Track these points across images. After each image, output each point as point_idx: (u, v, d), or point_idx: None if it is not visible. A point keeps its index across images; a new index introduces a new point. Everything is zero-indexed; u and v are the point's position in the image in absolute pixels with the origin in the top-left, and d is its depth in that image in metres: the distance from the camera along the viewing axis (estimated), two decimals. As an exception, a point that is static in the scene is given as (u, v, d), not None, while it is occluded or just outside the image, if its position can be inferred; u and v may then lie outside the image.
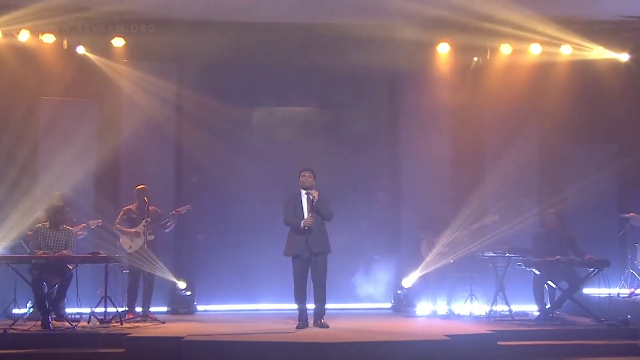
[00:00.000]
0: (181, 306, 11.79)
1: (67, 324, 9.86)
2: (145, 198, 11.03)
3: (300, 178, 9.89)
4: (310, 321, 9.73)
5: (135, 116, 12.34)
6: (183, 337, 8.73)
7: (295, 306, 11.31)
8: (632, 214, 11.88)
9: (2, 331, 9.34)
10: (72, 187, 11.83)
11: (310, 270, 9.75)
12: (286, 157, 12.41)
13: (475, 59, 12.85)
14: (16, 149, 11.97)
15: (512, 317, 10.89)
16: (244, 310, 12.29)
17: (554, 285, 10.90)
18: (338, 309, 12.10)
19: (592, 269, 10.66)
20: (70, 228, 10.45)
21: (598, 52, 12.78)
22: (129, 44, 12.38)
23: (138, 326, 10.02)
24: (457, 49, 12.81)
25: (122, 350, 8.85)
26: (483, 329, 9.70)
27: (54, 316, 10.01)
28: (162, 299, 11.79)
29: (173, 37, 12.30)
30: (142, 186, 11.22)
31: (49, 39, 12.23)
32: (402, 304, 12.30)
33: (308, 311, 9.87)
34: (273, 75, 12.74)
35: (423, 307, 12.03)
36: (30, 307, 10.83)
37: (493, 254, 11.09)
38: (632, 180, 12.75)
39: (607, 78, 12.76)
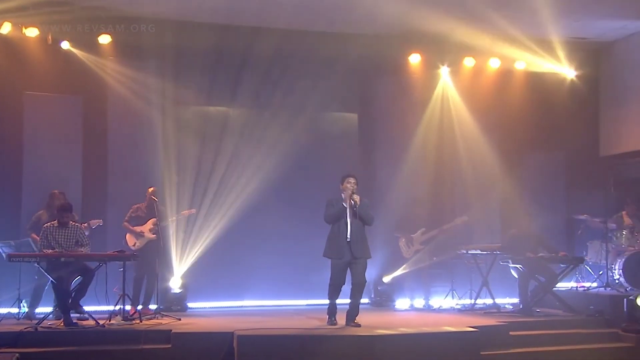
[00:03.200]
0: (174, 304, 11.60)
1: (86, 322, 9.58)
2: (154, 197, 10.86)
3: (345, 184, 9.90)
4: (342, 321, 9.78)
5: (121, 113, 12.16)
6: (232, 332, 8.71)
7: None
8: (585, 215, 12.80)
9: (33, 329, 9.00)
10: (59, 184, 11.40)
11: (351, 274, 9.85)
12: (266, 157, 12.59)
13: (445, 68, 13.39)
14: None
15: (497, 309, 11.52)
16: (233, 307, 12.31)
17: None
18: (319, 304, 12.32)
19: (567, 265, 11.45)
20: (79, 225, 10.10)
21: (548, 69, 13.69)
22: (115, 41, 12.07)
23: (161, 323, 9.90)
24: (427, 60, 13.41)
25: (169, 346, 8.80)
26: (492, 321, 10.24)
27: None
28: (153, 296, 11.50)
29: (160, 35, 12.08)
30: (153, 188, 11.21)
31: (32, 32, 11.74)
32: (382, 299, 12.65)
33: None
34: (253, 77, 12.70)
35: (401, 302, 12.47)
36: (24, 307, 10.45)
37: (480, 252, 11.68)
38: (577, 184, 13.76)
39: (556, 92, 13.79)
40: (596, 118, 14.33)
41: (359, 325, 9.60)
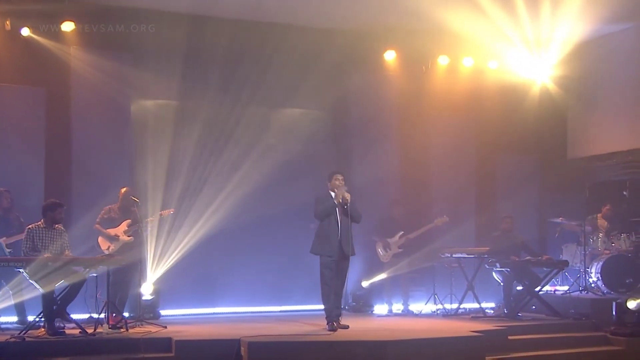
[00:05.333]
0: (146, 311, 11.49)
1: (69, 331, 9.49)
2: (135, 198, 10.81)
3: (333, 181, 10.30)
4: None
5: (88, 106, 12.01)
6: (239, 339, 8.82)
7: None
8: (561, 218, 13.42)
9: (20, 339, 8.89)
10: (19, 182, 11.22)
11: (335, 271, 10.19)
12: (239, 156, 12.70)
13: (420, 66, 13.88)
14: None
15: (484, 313, 11.96)
16: (207, 314, 12.34)
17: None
18: (296, 310, 12.62)
19: (551, 269, 12.01)
20: (62, 228, 9.97)
21: (520, 69, 14.27)
22: (79, 29, 11.88)
23: (151, 331, 9.82)
24: (403, 57, 13.79)
25: (171, 354, 8.88)
26: (489, 325, 10.68)
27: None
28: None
29: (128, 25, 11.99)
30: (127, 188, 11.16)
31: (-13, 17, 11.47)
32: (360, 304, 12.91)
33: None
34: (225, 72, 12.73)
35: (380, 308, 12.82)
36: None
37: (466, 255, 12.12)
38: (550, 187, 14.40)
39: (527, 94, 14.41)
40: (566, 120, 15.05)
41: (347, 327, 10.08)
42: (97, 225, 11.00)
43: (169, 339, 9.06)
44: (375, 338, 9.34)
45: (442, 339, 9.50)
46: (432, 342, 9.37)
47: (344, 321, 10.36)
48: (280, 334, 9.37)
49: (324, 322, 10.31)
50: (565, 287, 13.24)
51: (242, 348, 8.72)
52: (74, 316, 10.14)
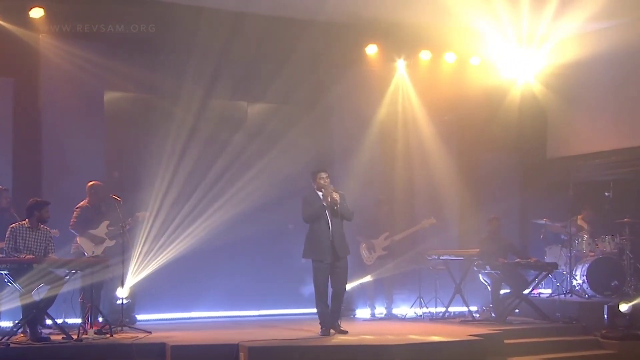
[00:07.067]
0: (122, 316, 11.39)
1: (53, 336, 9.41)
2: (115, 197, 10.67)
3: (318, 180, 10.29)
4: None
5: (59, 99, 11.84)
6: (237, 344, 8.88)
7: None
8: (545, 219, 13.75)
9: (4, 346, 8.81)
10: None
11: (332, 278, 10.26)
12: (211, 151, 12.75)
13: (404, 61, 13.97)
14: None
15: (472, 317, 12.21)
16: (184, 318, 12.42)
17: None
18: (275, 314, 12.78)
19: (540, 272, 12.31)
20: (47, 228, 9.88)
21: (503, 68, 14.56)
22: (49, 16, 11.70)
23: (137, 336, 9.78)
24: (384, 51, 13.91)
25: (167, 361, 8.82)
26: (484, 329, 10.89)
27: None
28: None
29: (99, 12, 11.89)
30: (94, 182, 11.12)
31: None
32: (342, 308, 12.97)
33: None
34: (201, 64, 12.68)
35: (362, 311, 13.01)
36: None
37: (455, 257, 12.34)
38: (532, 188, 14.73)
39: (510, 93, 14.69)
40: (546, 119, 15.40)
41: (346, 332, 10.15)
42: (76, 226, 10.85)
43: (162, 344, 9.08)
44: (376, 342, 9.51)
45: (443, 343, 9.74)
46: (434, 346, 9.61)
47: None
48: (281, 339, 9.43)
49: (311, 326, 10.45)
50: (549, 290, 13.55)
51: (242, 353, 8.78)
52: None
